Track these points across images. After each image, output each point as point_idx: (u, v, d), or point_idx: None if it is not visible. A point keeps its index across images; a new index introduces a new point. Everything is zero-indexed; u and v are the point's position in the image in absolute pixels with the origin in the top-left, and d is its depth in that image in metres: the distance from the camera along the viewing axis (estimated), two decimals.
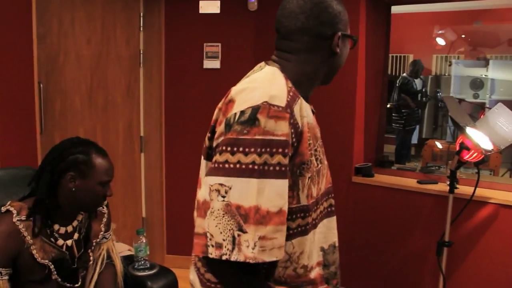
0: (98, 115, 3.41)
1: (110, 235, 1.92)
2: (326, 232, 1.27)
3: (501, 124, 2.41)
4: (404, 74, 6.19)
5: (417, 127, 6.69)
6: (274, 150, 1.00)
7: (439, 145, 5.22)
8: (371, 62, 3.33)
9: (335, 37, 1.16)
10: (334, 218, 1.33)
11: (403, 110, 5.90)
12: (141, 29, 3.64)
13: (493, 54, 7.19)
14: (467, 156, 2.39)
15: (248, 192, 0.98)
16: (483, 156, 2.37)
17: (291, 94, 1.10)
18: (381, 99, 3.60)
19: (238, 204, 0.98)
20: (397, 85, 6.03)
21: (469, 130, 2.36)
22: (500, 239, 2.78)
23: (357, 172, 3.18)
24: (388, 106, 6.02)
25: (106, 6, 3.38)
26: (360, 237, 3.20)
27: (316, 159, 1.18)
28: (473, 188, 2.59)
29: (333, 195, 1.34)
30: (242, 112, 1.03)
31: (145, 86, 3.71)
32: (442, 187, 2.89)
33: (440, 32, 7.58)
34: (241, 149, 1.00)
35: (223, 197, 1.00)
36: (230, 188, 0.99)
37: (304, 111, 1.12)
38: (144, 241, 2.14)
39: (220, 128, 1.08)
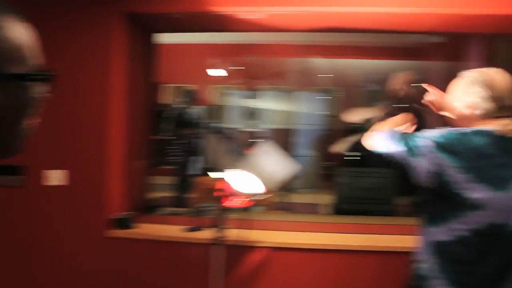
0: None
1: None
2: None
3: (267, 163, 2.16)
4: (178, 105, 5.95)
5: (198, 158, 6.48)
6: None
7: (214, 175, 4.97)
8: (132, 94, 2.87)
9: None
10: None
11: (176, 142, 5.63)
12: None
13: (264, 85, 7.52)
14: (230, 202, 2.07)
15: None
16: (250, 201, 2.07)
17: None
18: (146, 132, 3.16)
19: None
20: (168, 116, 5.73)
21: (228, 175, 2.05)
22: (275, 286, 2.55)
23: (113, 224, 2.64)
24: (167, 137, 5.70)
25: None
26: None
27: None
28: (245, 231, 2.33)
29: None
30: None
31: None
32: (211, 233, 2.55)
33: (216, 63, 7.68)
34: None
35: None
36: None
37: None
38: None
39: None
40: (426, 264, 1.66)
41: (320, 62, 7.14)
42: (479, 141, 1.53)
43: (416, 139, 1.60)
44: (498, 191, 1.51)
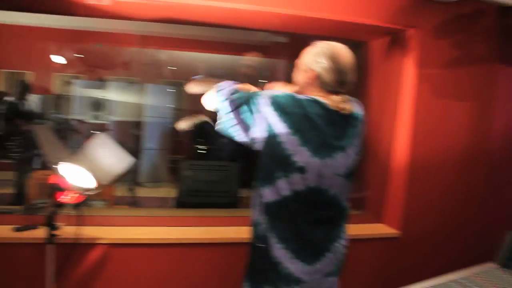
0: None
1: None
2: None
3: (103, 156, 2.09)
4: (12, 95, 5.44)
5: (39, 152, 6.01)
6: None
7: (48, 170, 4.66)
8: None
9: None
10: None
11: (12, 135, 5.16)
12: None
13: (111, 76, 7.26)
14: (64, 198, 1.97)
15: None
16: (82, 196, 1.99)
17: None
18: None
19: None
20: None
21: (62, 168, 1.95)
22: (115, 284, 2.50)
23: None
24: None
25: None
26: None
27: None
28: (82, 228, 2.27)
29: None
30: None
31: None
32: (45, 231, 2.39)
33: (58, 49, 7.19)
34: None
35: None
36: None
37: None
38: None
39: None
40: (262, 224, 1.75)
41: (166, 54, 7.11)
42: (311, 109, 1.65)
43: (253, 94, 1.69)
44: (316, 157, 1.65)
